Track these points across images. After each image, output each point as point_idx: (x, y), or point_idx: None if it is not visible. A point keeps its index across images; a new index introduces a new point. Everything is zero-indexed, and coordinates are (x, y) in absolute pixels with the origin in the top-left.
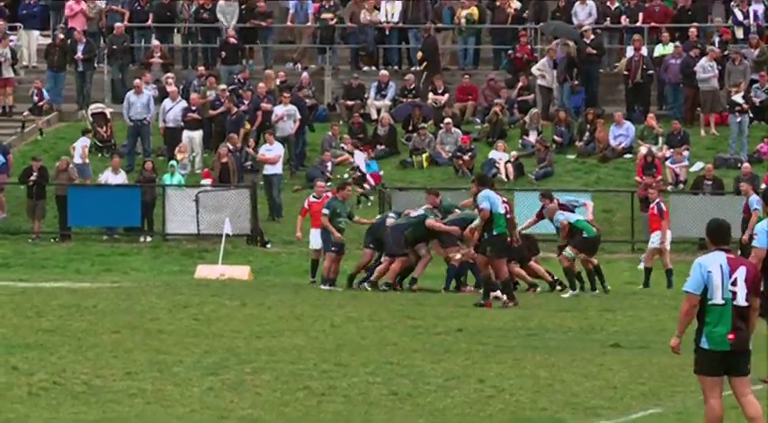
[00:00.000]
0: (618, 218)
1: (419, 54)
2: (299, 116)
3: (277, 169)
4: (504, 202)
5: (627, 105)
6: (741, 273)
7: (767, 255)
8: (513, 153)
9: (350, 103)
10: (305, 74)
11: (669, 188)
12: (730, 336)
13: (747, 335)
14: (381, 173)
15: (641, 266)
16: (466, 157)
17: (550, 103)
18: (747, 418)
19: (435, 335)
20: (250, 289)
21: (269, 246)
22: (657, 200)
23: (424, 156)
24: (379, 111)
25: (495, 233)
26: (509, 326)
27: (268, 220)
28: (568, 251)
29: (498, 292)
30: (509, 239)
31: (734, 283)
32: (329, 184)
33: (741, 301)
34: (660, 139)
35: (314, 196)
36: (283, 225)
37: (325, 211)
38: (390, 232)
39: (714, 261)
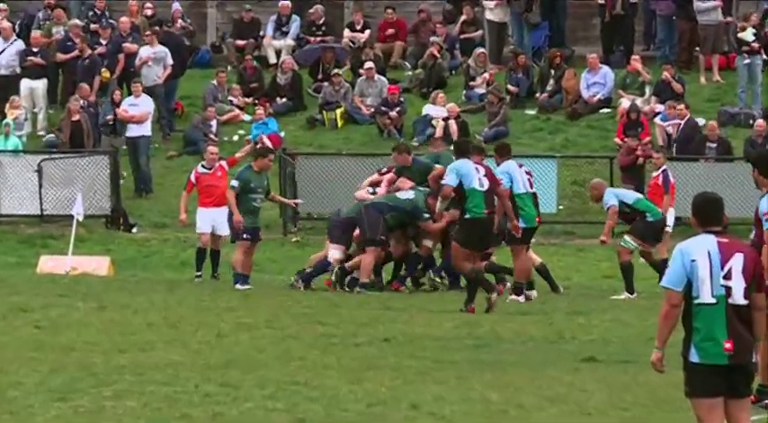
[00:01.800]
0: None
1: None
2: (170, 61)
3: (144, 130)
4: (527, 173)
5: (603, 45)
6: (737, 261)
7: None
8: (453, 106)
9: (240, 42)
10: (176, 4)
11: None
12: (727, 345)
13: (750, 343)
14: (282, 134)
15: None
16: (393, 114)
17: (503, 42)
18: None
19: (354, 346)
20: (110, 287)
21: (135, 230)
22: (664, 167)
23: (339, 112)
24: (278, 53)
25: (468, 217)
26: (451, 334)
27: (134, 196)
28: (628, 240)
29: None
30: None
31: (727, 276)
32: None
33: (738, 298)
34: (647, 89)
35: (203, 166)
36: (154, 202)
37: (234, 183)
38: (366, 212)
39: (700, 247)
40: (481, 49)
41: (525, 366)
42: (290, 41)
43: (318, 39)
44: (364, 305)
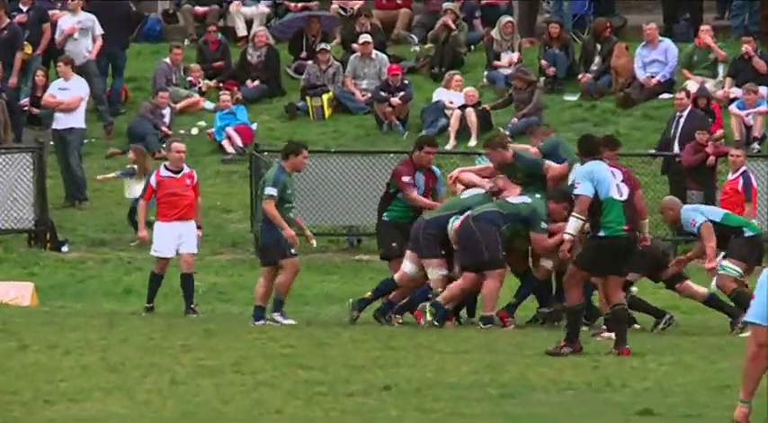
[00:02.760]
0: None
1: None
2: (99, 29)
3: (76, 121)
4: (626, 177)
5: (664, 12)
6: None
7: None
8: (471, 91)
9: (200, 9)
10: None
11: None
12: None
13: None
14: (254, 126)
15: (714, 287)
16: (395, 100)
17: (536, 10)
18: None
19: (346, 396)
20: (33, 320)
21: (65, 248)
22: (744, 168)
23: (326, 98)
24: (249, 23)
25: (602, 234)
26: (469, 381)
27: (64, 205)
28: (729, 266)
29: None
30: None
31: None
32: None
33: None
34: (721, 69)
35: (166, 168)
36: (90, 214)
37: (272, 191)
38: (477, 226)
39: None
40: (508, 18)
41: (564, 421)
42: (263, 8)
43: (301, 5)
44: (359, 344)
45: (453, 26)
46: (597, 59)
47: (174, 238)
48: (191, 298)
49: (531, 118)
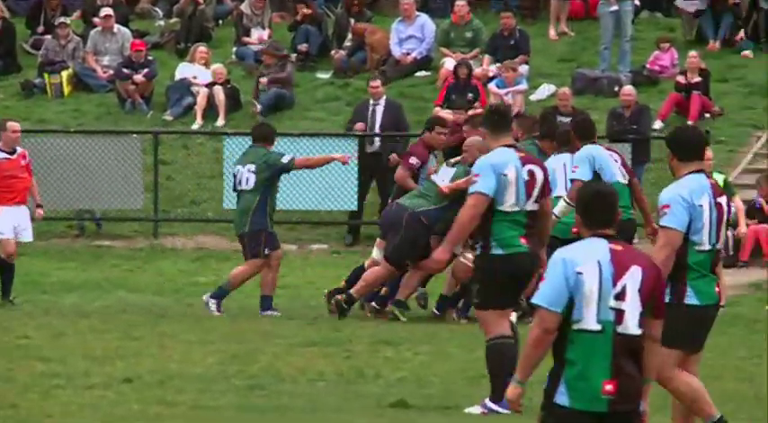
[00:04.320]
0: None
1: None
2: None
3: None
4: (620, 161)
5: None
6: (633, 277)
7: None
8: (219, 68)
9: None
10: None
11: None
12: (608, 387)
13: (638, 386)
14: None
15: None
16: (138, 78)
17: None
18: None
19: (86, 390)
20: None
21: None
22: None
23: (65, 75)
24: None
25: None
26: (215, 372)
27: None
28: (468, 255)
29: None
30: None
31: (620, 296)
32: None
33: (630, 326)
34: (479, 46)
35: (1, 150)
36: None
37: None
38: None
39: (589, 255)
40: None
41: (313, 414)
42: None
43: None
44: (99, 334)
45: (200, 0)
46: (350, 35)
47: (12, 222)
48: (9, 287)
49: (281, 92)
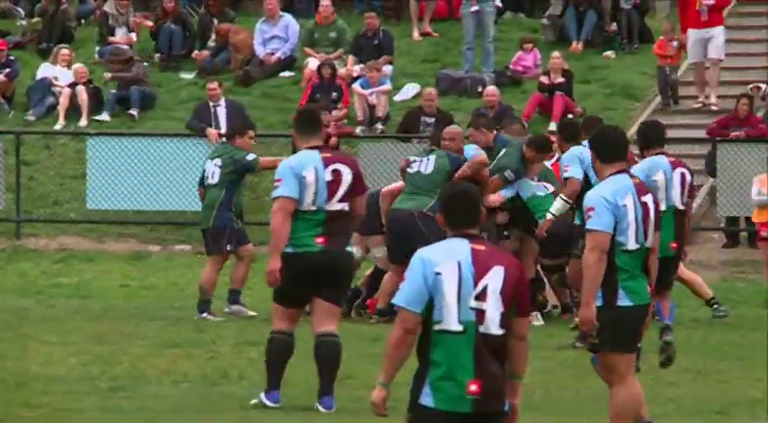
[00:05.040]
0: None
1: None
2: None
3: None
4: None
5: None
6: (495, 277)
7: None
8: (81, 67)
9: None
10: None
11: (358, 130)
12: (473, 387)
13: (502, 386)
14: None
15: None
16: (1, 77)
17: None
18: None
19: None
20: None
21: None
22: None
23: None
24: None
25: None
26: (78, 374)
27: None
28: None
29: None
30: None
31: (481, 296)
32: None
33: (492, 326)
34: (343, 46)
35: None
36: None
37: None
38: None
39: (448, 255)
40: None
41: (177, 415)
42: None
43: None
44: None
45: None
46: (214, 36)
47: None
48: None
49: (142, 91)
